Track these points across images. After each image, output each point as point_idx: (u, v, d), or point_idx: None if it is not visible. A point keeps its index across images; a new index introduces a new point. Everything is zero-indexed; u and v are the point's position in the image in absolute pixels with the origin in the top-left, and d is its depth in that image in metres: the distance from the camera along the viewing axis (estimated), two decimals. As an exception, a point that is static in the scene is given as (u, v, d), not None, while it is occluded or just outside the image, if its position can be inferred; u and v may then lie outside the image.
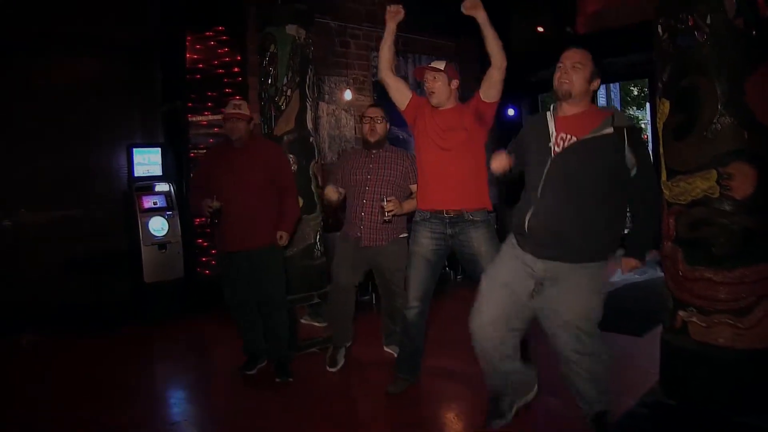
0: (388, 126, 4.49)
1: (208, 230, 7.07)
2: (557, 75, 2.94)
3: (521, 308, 3.07)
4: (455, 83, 3.83)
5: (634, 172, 2.84)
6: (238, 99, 4.69)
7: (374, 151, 4.45)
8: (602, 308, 3.04)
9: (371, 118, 4.42)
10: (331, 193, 4.57)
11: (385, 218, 4.09)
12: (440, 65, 3.84)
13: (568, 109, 2.93)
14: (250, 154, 4.36)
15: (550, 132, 2.92)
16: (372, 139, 4.42)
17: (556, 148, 2.87)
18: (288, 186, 4.49)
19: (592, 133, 2.80)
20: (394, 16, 4.05)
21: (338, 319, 4.66)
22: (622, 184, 2.86)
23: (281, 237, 4.43)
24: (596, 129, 2.81)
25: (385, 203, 4.04)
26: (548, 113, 3.00)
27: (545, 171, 2.88)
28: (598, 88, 3.01)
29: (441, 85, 3.79)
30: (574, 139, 2.83)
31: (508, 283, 3.06)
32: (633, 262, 3.01)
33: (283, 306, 4.59)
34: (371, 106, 4.64)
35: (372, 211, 4.32)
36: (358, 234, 4.40)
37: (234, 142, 4.34)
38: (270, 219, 4.39)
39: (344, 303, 4.64)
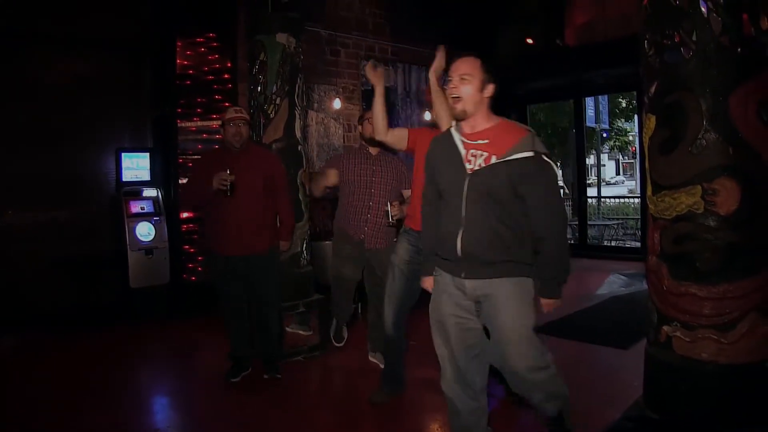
0: None
1: (195, 236, 7.06)
2: (447, 91, 2.87)
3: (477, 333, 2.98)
4: None
5: (535, 199, 2.78)
6: (231, 106, 4.76)
7: (374, 153, 4.56)
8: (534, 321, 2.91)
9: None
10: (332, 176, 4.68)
11: (390, 222, 4.16)
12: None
13: (473, 124, 2.86)
14: (248, 159, 4.41)
15: (460, 150, 2.83)
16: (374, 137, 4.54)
17: (468, 165, 2.80)
18: (283, 191, 4.57)
19: (510, 154, 2.72)
20: (380, 78, 3.88)
21: (340, 302, 4.80)
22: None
23: (283, 246, 4.65)
24: (515, 149, 2.73)
25: (390, 207, 4.10)
26: (452, 130, 2.92)
27: (465, 191, 2.79)
28: (494, 93, 2.90)
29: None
30: (487, 154, 2.76)
31: (453, 331, 2.95)
32: (550, 302, 2.91)
33: (277, 305, 4.68)
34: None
35: (378, 214, 4.45)
36: (362, 236, 4.50)
37: (234, 147, 4.36)
38: (268, 223, 4.48)
39: (347, 290, 4.78)
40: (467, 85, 2.79)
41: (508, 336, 2.85)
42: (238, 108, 4.51)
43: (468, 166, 2.79)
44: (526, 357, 2.88)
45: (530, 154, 2.72)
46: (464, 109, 2.80)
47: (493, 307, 2.84)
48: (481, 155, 2.78)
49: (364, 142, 4.70)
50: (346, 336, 4.94)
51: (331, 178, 4.71)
